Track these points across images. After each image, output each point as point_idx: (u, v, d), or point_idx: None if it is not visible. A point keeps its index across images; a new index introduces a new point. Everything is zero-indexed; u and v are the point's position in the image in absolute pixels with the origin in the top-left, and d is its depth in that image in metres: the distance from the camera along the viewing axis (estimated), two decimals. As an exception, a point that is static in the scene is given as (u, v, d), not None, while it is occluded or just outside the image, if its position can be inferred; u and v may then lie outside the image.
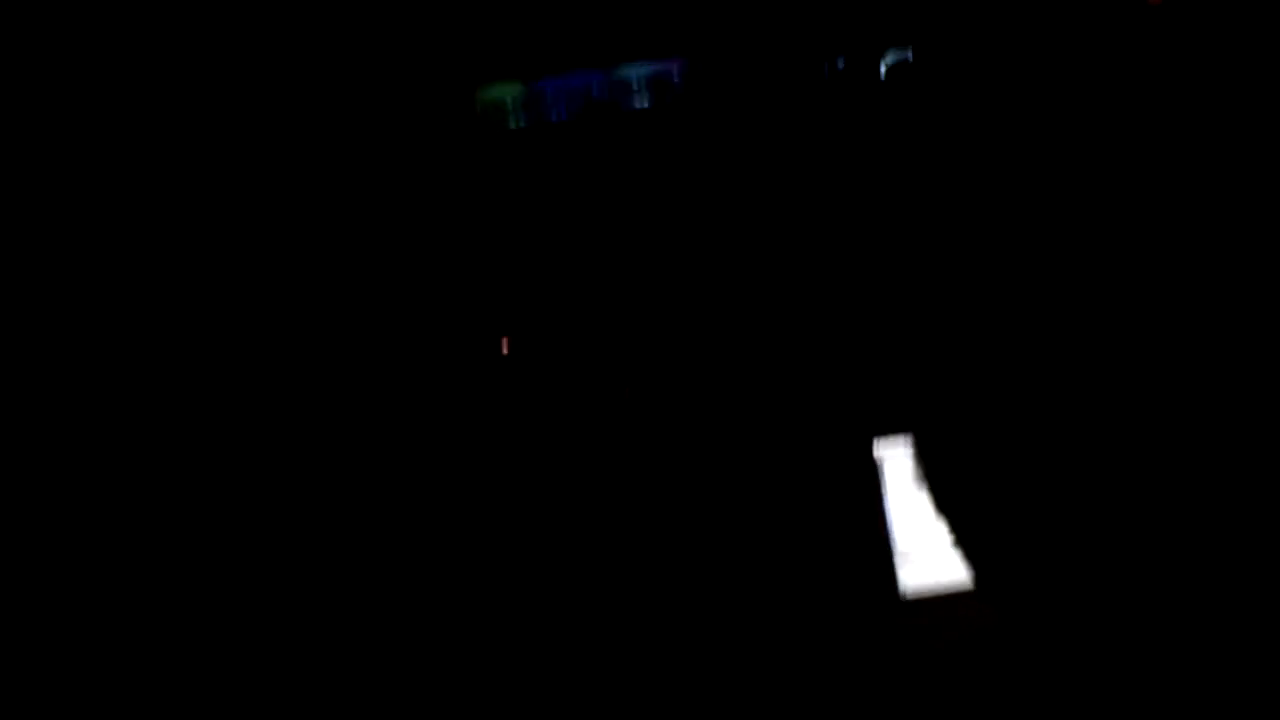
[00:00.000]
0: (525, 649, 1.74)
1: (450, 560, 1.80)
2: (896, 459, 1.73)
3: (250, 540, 1.81)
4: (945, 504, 1.15)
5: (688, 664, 1.68)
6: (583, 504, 1.87)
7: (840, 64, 2.13)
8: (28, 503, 1.80)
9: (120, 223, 1.92)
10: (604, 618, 1.77)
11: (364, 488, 1.84)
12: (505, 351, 1.86)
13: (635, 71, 2.17)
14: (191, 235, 1.92)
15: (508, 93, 2.14)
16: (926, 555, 1.71)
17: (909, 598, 1.71)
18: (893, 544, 1.72)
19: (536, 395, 1.95)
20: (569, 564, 1.83)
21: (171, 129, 1.94)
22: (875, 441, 1.74)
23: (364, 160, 2.01)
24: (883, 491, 1.73)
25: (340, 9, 2.02)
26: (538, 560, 1.83)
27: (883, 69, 2.14)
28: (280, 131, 1.97)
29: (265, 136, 1.96)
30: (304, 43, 1.99)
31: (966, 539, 1.14)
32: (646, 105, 2.17)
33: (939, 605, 1.69)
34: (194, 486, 1.84)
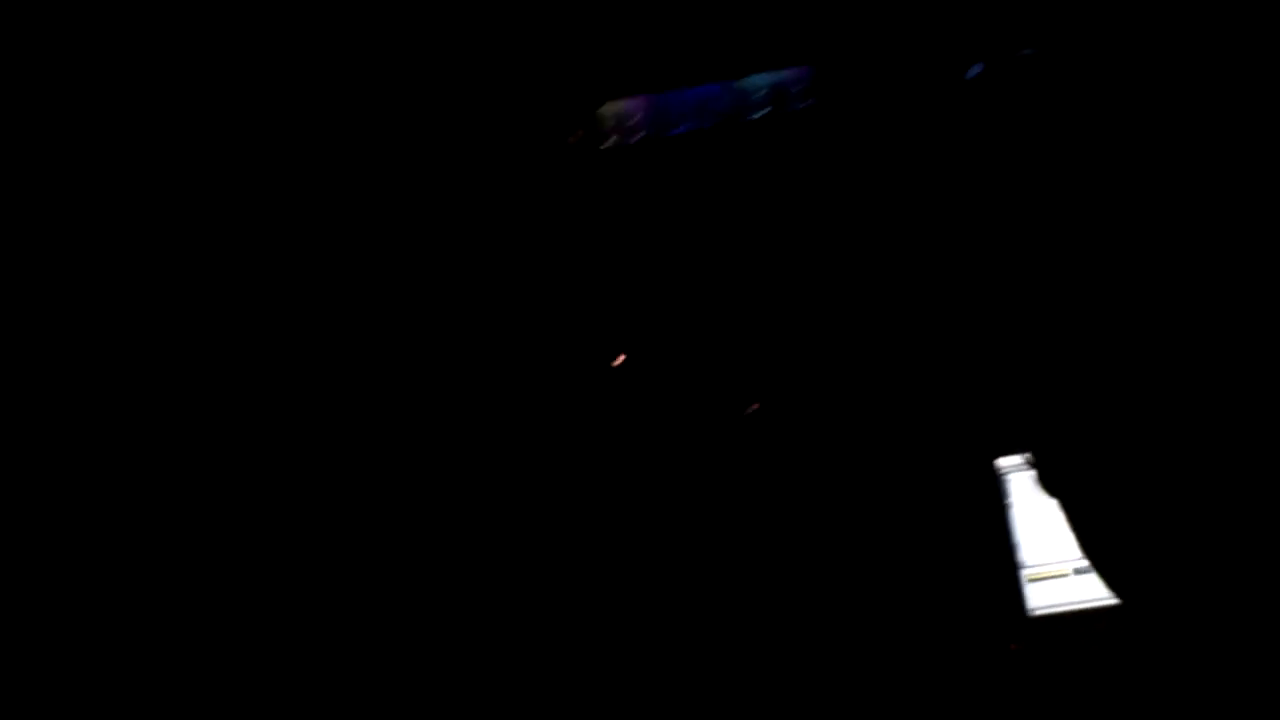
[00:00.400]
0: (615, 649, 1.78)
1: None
2: (1019, 474, 1.71)
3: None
4: (1076, 515, 1.15)
5: (815, 679, 1.70)
6: (705, 520, 1.90)
7: (976, 69, 2.09)
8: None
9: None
10: (720, 629, 1.80)
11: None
12: (619, 363, 1.89)
13: (758, 81, 2.17)
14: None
15: (625, 106, 2.17)
16: (1053, 573, 1.69)
17: (1036, 615, 1.69)
18: (1019, 561, 1.70)
19: (657, 407, 1.98)
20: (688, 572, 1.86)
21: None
22: (998, 458, 1.72)
23: (490, 172, 2.07)
24: (1008, 507, 1.71)
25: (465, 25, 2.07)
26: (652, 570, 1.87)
27: (1013, 72, 2.09)
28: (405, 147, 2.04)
29: (383, 148, 2.03)
30: (429, 59, 2.05)
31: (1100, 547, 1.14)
32: (768, 113, 2.17)
33: (1066, 623, 1.67)
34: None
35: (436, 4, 2.00)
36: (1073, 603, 1.69)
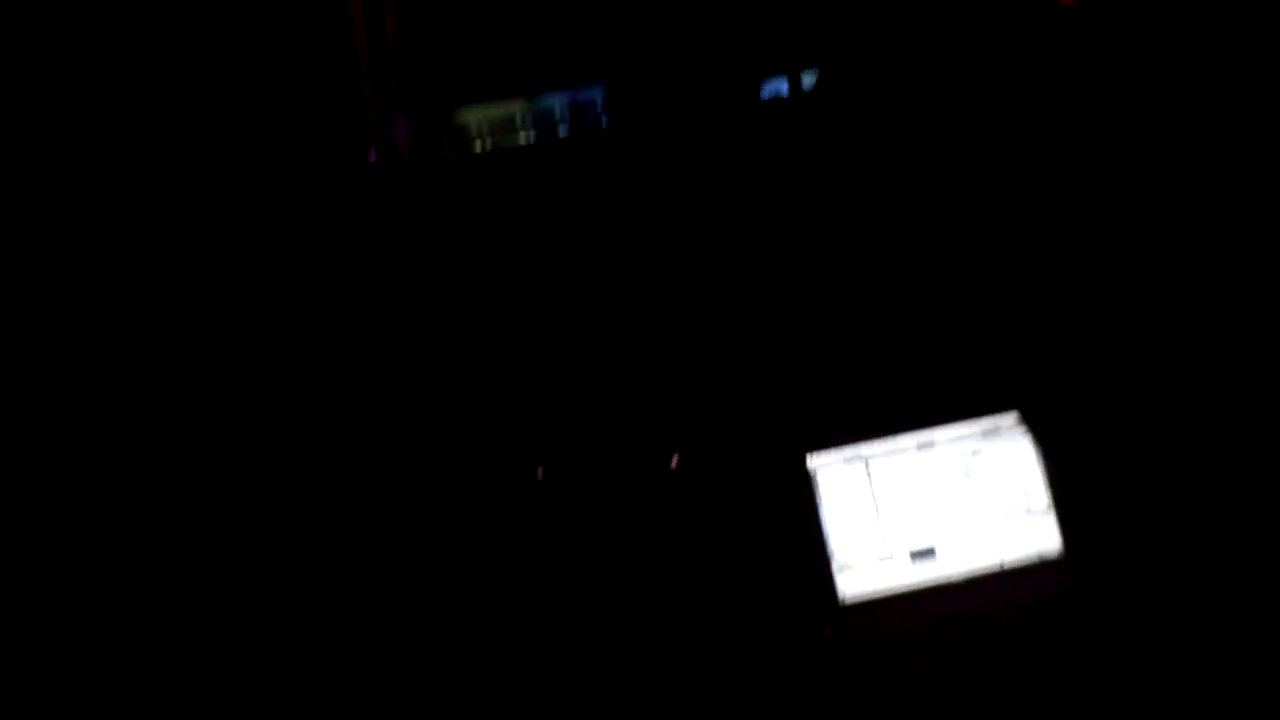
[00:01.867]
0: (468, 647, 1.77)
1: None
2: (829, 470, 1.81)
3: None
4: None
5: (629, 671, 1.73)
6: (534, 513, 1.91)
7: (774, 88, 2.20)
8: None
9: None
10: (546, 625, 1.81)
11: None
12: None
13: (557, 100, 2.22)
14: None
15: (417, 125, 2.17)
16: (862, 563, 1.79)
17: (847, 603, 1.79)
18: (830, 552, 1.79)
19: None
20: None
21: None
22: (809, 454, 1.81)
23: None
24: (818, 502, 1.80)
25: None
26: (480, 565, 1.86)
27: (803, 88, 2.22)
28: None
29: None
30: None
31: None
32: (568, 133, 2.21)
33: (875, 609, 1.78)
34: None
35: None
36: (878, 588, 1.80)
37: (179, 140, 1.97)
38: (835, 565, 1.79)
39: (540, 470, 1.95)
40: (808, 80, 2.19)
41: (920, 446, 1.83)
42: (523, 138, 2.24)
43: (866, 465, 1.82)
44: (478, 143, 2.25)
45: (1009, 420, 1.85)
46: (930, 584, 1.80)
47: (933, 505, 1.82)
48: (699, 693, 1.69)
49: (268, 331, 1.99)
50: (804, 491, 1.81)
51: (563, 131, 2.23)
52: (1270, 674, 1.57)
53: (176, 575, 1.81)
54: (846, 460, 1.82)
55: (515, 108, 2.25)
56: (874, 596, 1.79)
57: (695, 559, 1.90)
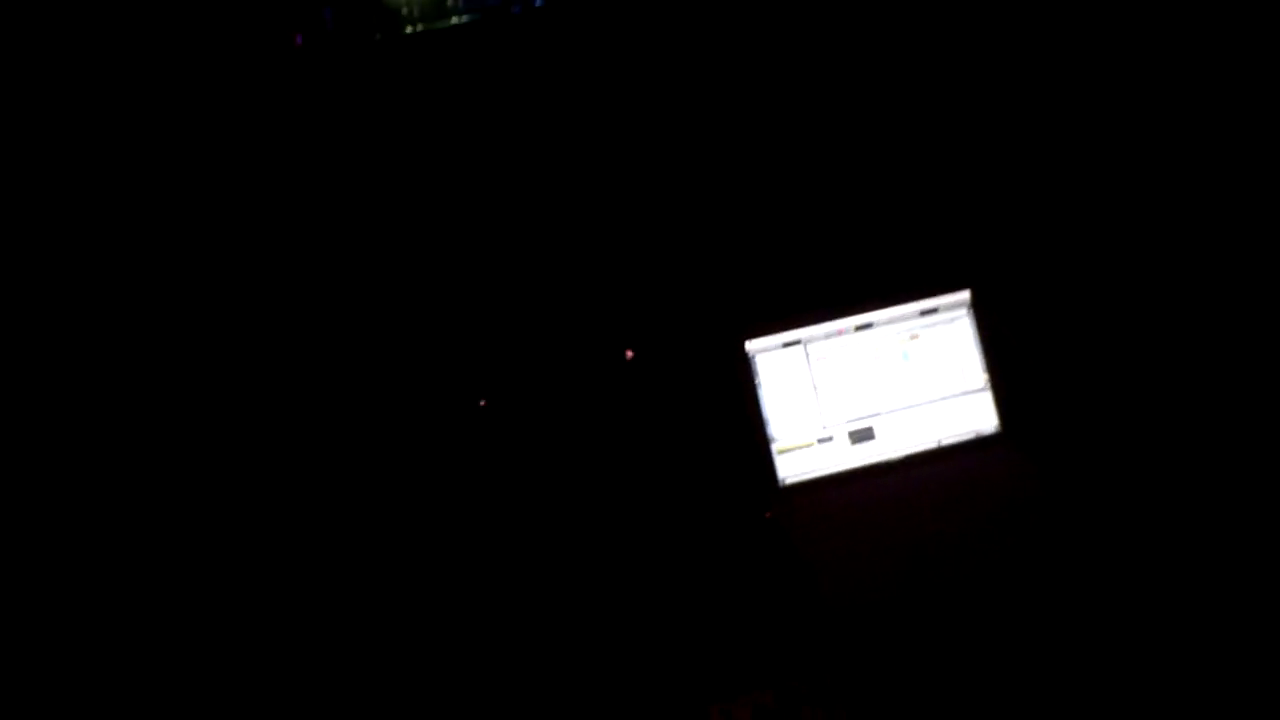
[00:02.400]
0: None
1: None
2: (768, 355, 1.80)
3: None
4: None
5: (570, 563, 1.74)
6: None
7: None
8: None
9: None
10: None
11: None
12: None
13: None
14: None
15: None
16: (802, 446, 1.80)
17: (787, 485, 1.79)
18: (769, 436, 1.79)
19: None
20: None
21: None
22: (747, 341, 1.80)
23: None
24: (756, 386, 1.79)
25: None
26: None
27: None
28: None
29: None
30: None
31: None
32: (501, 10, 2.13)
33: (814, 490, 1.79)
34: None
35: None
36: (818, 470, 1.80)
37: (92, 40, 1.88)
38: (774, 449, 1.80)
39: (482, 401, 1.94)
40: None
41: (859, 328, 1.82)
42: (454, 19, 2.16)
43: (805, 348, 1.81)
44: (408, 26, 2.16)
45: (949, 300, 1.84)
46: (869, 465, 1.81)
47: (871, 387, 1.82)
48: (643, 580, 1.70)
49: (201, 241, 1.94)
50: (742, 376, 1.80)
51: (493, 11, 2.15)
52: (1194, 560, 1.59)
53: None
54: (785, 344, 1.80)
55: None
56: (813, 478, 1.80)
57: (634, 448, 1.90)
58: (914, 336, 1.83)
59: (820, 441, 1.81)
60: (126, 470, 1.85)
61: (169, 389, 1.89)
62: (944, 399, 1.83)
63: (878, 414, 1.82)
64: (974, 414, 1.83)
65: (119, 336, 1.89)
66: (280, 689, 1.65)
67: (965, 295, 1.84)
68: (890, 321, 1.82)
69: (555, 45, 2.05)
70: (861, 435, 1.81)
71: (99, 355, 1.88)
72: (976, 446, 1.83)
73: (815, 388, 1.81)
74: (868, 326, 1.82)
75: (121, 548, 1.81)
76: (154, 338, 1.90)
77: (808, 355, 1.81)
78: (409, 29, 2.17)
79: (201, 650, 1.71)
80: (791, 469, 1.80)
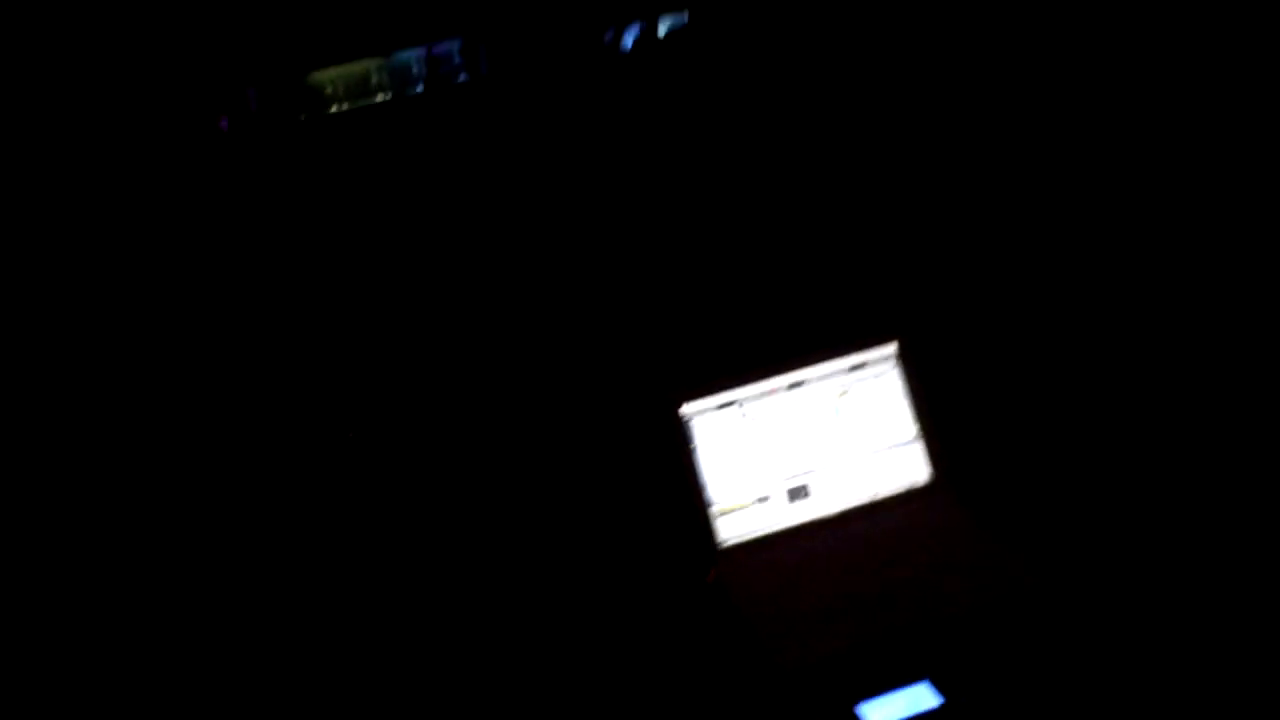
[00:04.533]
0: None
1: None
2: (702, 418, 1.82)
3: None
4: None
5: (510, 633, 1.73)
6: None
7: (611, 35, 2.17)
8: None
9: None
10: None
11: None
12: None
13: (412, 54, 2.16)
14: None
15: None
16: (740, 506, 1.82)
17: (727, 546, 1.81)
18: (707, 498, 1.81)
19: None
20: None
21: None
22: (682, 404, 1.82)
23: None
24: (693, 449, 1.81)
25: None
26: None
27: (660, 34, 2.20)
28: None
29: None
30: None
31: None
32: (425, 89, 2.16)
33: (754, 549, 1.80)
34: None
35: None
36: (756, 530, 1.82)
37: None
38: (713, 511, 1.81)
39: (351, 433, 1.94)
40: (666, 26, 2.17)
41: (791, 386, 1.85)
42: (379, 96, 2.18)
43: (740, 409, 1.83)
44: (333, 105, 2.18)
45: (876, 354, 1.87)
46: (807, 522, 1.83)
47: (806, 444, 1.84)
48: (586, 647, 1.70)
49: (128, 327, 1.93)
50: (678, 439, 1.81)
51: (420, 88, 2.18)
52: (1130, 590, 1.63)
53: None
54: (720, 406, 1.83)
55: (370, 65, 2.19)
56: (753, 538, 1.82)
57: (571, 514, 1.91)
58: (844, 392, 1.86)
59: (758, 501, 1.82)
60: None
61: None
62: (876, 452, 1.86)
63: (813, 470, 1.84)
64: (906, 465, 1.87)
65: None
66: (273, 688, 1.64)
67: (892, 348, 1.88)
68: (821, 378, 1.86)
69: (484, 118, 2.08)
70: (798, 493, 1.83)
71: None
72: (911, 497, 1.86)
73: (751, 448, 1.83)
74: (800, 384, 1.85)
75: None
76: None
77: (743, 415, 1.83)
78: (334, 108, 2.18)
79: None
80: (731, 530, 1.81)
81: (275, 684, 1.67)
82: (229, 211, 2.00)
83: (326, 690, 1.66)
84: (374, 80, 2.20)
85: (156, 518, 1.87)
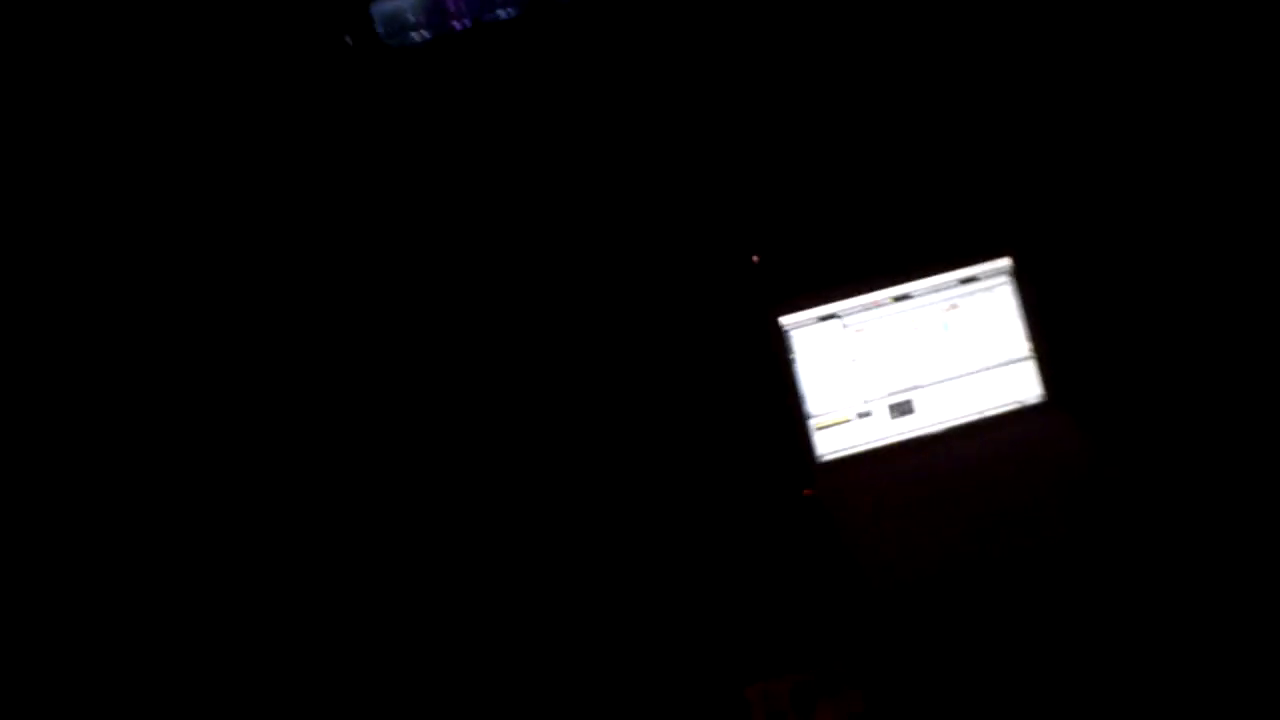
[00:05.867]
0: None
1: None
2: (801, 330, 1.77)
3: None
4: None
5: (607, 546, 1.73)
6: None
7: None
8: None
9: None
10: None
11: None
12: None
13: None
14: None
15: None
16: (839, 420, 1.77)
17: (826, 461, 1.77)
18: (806, 412, 1.77)
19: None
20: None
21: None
22: (781, 315, 1.77)
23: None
24: (792, 361, 1.77)
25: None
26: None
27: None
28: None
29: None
30: None
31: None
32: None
33: (854, 466, 1.76)
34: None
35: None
36: (858, 445, 1.78)
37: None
38: (812, 425, 1.77)
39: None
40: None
41: (896, 299, 1.78)
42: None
43: (841, 322, 1.77)
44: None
45: (988, 268, 1.79)
46: (910, 438, 1.78)
47: (911, 359, 1.78)
48: (682, 560, 1.69)
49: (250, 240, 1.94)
50: (777, 351, 1.77)
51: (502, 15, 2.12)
52: (1240, 533, 1.55)
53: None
54: (820, 318, 1.77)
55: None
56: (853, 453, 1.77)
57: (672, 426, 1.88)
58: (953, 306, 1.78)
59: (859, 416, 1.78)
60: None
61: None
62: (985, 369, 1.79)
63: (918, 386, 1.78)
64: (1017, 383, 1.79)
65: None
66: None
67: (1005, 263, 1.79)
68: (929, 291, 1.78)
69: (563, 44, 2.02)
70: (902, 408, 1.78)
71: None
72: (1020, 415, 1.79)
73: (853, 362, 1.77)
74: (906, 298, 1.78)
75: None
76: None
77: (844, 328, 1.77)
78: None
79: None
80: (830, 445, 1.77)
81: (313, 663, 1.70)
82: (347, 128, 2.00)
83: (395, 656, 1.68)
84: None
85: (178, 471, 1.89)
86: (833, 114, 1.97)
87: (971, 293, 1.79)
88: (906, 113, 1.97)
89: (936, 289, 1.78)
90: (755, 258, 1.68)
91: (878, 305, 1.78)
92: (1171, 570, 1.48)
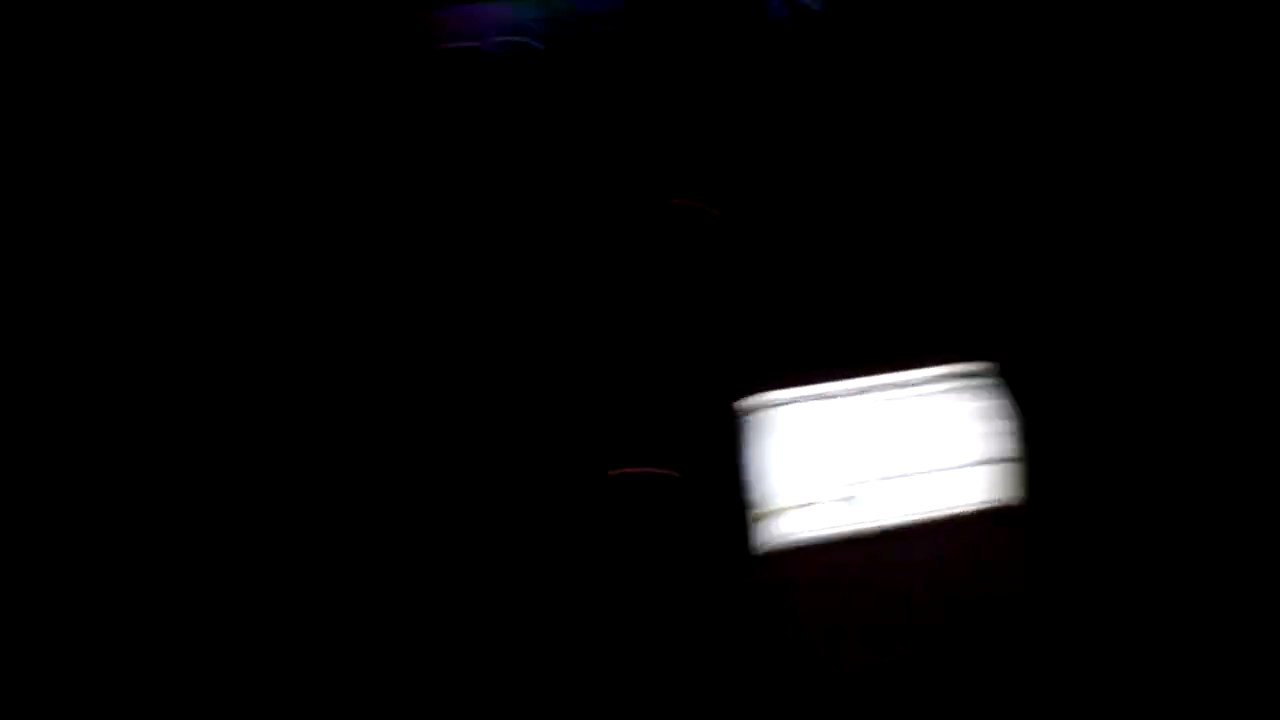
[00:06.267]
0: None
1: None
2: (762, 414, 1.81)
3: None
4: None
5: (560, 625, 1.78)
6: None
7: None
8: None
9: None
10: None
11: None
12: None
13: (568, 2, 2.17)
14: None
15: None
16: (789, 509, 1.80)
17: (774, 547, 1.80)
18: (758, 498, 1.80)
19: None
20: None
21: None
22: (739, 399, 1.81)
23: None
24: (746, 447, 1.80)
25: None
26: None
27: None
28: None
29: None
30: None
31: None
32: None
33: (802, 553, 1.79)
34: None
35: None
36: (808, 533, 1.80)
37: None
38: (762, 511, 1.80)
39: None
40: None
41: (859, 392, 1.80)
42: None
43: (802, 409, 1.80)
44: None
45: (949, 370, 1.80)
46: (860, 531, 1.80)
47: (868, 453, 1.80)
48: (627, 641, 1.73)
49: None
50: (734, 436, 1.81)
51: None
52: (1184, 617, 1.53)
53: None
54: (781, 404, 1.81)
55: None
56: (803, 541, 1.80)
57: (621, 509, 1.89)
58: (914, 403, 1.80)
59: (812, 504, 1.80)
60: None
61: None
62: (941, 470, 1.80)
63: (872, 480, 1.80)
64: (971, 486, 1.80)
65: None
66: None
67: (975, 367, 1.80)
68: (893, 387, 1.80)
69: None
70: (854, 501, 1.80)
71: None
72: (973, 519, 1.80)
73: (811, 450, 1.80)
74: (868, 391, 1.80)
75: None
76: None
77: (805, 417, 1.80)
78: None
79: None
80: (782, 531, 1.80)
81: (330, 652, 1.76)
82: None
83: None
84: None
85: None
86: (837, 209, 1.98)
87: (932, 394, 1.80)
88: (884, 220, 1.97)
89: (896, 385, 1.80)
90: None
91: (839, 397, 1.80)
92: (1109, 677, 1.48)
